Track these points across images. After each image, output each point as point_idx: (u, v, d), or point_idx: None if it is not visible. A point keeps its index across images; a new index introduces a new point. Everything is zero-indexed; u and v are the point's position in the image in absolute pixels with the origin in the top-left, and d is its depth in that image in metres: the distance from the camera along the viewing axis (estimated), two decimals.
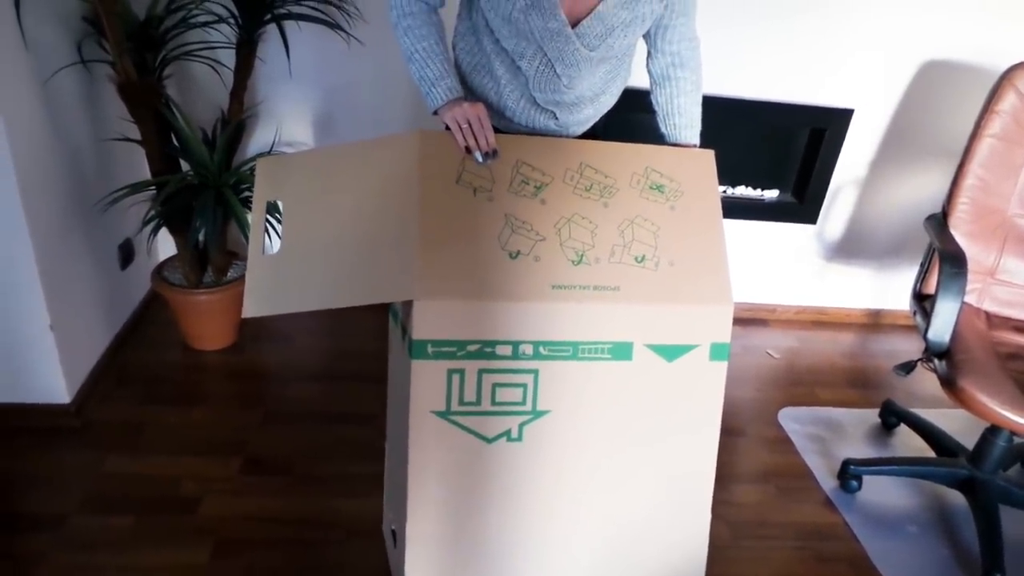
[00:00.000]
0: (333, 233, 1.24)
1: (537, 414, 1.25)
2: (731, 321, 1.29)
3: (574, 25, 1.28)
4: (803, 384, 2.38)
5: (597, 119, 1.52)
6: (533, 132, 1.46)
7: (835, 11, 2.21)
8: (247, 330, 2.27)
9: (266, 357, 2.20)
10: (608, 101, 1.49)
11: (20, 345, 1.74)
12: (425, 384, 1.19)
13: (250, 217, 1.95)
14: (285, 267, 1.25)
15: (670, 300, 1.25)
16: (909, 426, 2.14)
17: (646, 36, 1.43)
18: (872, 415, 2.24)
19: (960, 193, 1.86)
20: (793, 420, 2.19)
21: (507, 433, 1.24)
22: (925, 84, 2.36)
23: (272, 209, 1.73)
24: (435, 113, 1.30)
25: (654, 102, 1.47)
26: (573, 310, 1.21)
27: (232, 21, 1.91)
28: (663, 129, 1.47)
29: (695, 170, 1.34)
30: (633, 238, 1.26)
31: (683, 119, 1.45)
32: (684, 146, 1.44)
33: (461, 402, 1.21)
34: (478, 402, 1.22)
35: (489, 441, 1.24)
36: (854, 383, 2.42)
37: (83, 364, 1.92)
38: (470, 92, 1.46)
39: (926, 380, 2.35)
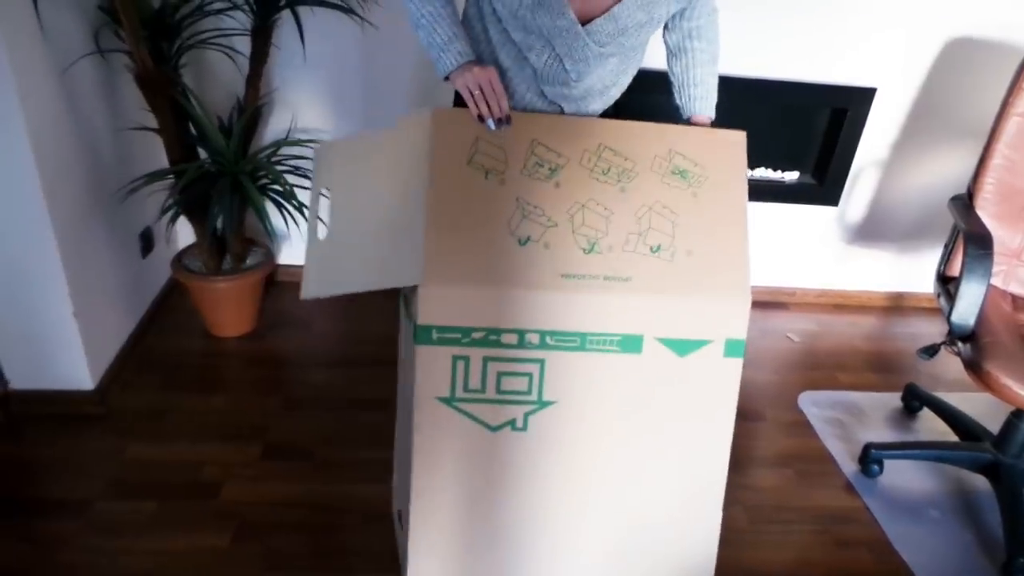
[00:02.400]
0: (361, 218, 1.25)
1: (543, 404, 1.23)
2: (747, 317, 1.24)
3: (585, 23, 1.24)
4: (823, 368, 2.36)
5: (605, 108, 1.49)
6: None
7: None
8: (266, 316, 2.29)
9: (285, 343, 2.22)
10: (616, 93, 1.45)
11: (44, 332, 1.76)
12: (430, 369, 1.18)
13: (276, 202, 1.96)
14: (328, 252, 1.28)
15: (684, 292, 1.21)
16: (932, 410, 2.11)
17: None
18: (894, 399, 2.21)
19: (986, 173, 1.82)
20: (813, 404, 2.17)
21: (512, 422, 1.23)
22: (949, 62, 2.30)
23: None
24: (446, 79, 1.26)
25: (670, 72, 1.44)
26: (582, 300, 1.18)
27: (247, 8, 1.91)
28: (678, 100, 1.43)
29: (723, 155, 1.26)
30: (650, 226, 1.22)
31: (698, 90, 1.40)
32: (699, 120, 1.41)
33: (466, 389, 1.20)
34: (483, 390, 1.20)
35: (493, 429, 1.23)
36: (875, 367, 2.39)
37: (106, 351, 1.95)
38: None
39: (949, 364, 2.32)
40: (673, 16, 1.36)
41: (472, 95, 1.21)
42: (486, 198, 1.18)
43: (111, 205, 1.95)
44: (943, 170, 2.48)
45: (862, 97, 2.33)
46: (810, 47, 2.24)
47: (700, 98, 1.41)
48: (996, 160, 1.81)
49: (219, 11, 1.93)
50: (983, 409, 2.03)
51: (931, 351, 1.78)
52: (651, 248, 1.21)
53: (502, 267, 1.16)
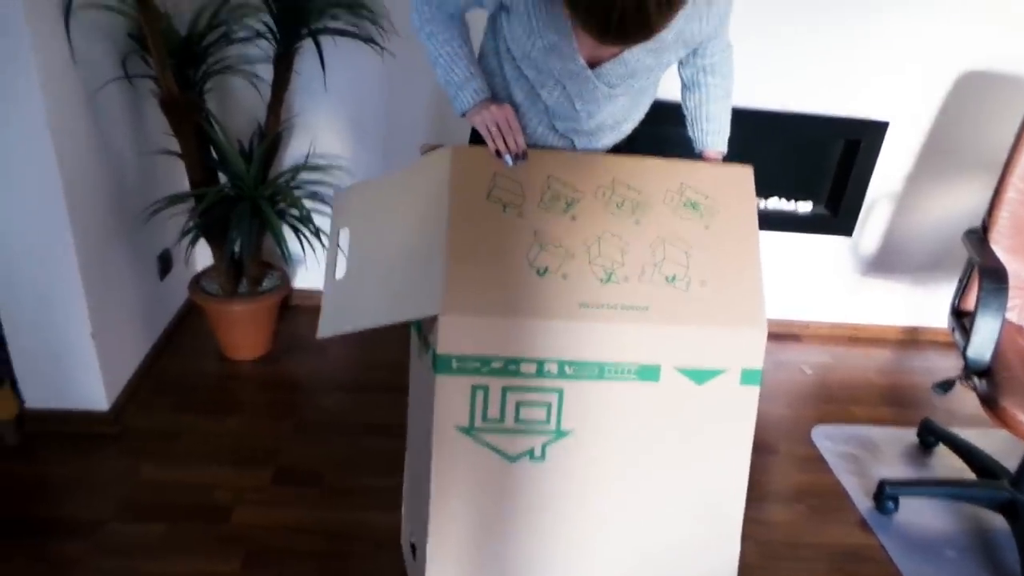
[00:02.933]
0: (380, 254, 1.27)
1: (561, 434, 1.23)
2: (763, 346, 1.25)
3: (594, 66, 1.25)
4: (837, 401, 2.34)
5: (617, 142, 1.50)
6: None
7: (869, 23, 2.18)
8: (280, 340, 2.31)
9: (299, 367, 2.23)
10: (628, 128, 1.47)
11: (62, 352, 1.78)
12: (449, 399, 1.19)
13: (291, 229, 1.99)
14: (347, 289, 1.31)
15: (700, 322, 1.22)
16: (948, 446, 2.09)
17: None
18: (909, 434, 2.19)
19: (1001, 207, 1.82)
20: (827, 438, 2.15)
21: (530, 452, 1.23)
22: (963, 95, 2.31)
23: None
24: (463, 115, 1.30)
25: (683, 106, 1.46)
26: (600, 329, 1.19)
27: (270, 36, 1.96)
28: (691, 134, 1.45)
29: (732, 188, 1.30)
30: (665, 257, 1.24)
31: (711, 125, 1.43)
32: (711, 155, 1.43)
33: (484, 419, 1.20)
34: (502, 419, 1.21)
35: (511, 460, 1.22)
36: (890, 401, 2.37)
37: (122, 372, 1.96)
38: None
39: (966, 399, 2.30)
40: (686, 55, 1.38)
41: (490, 132, 1.24)
42: (504, 231, 1.20)
43: (132, 227, 1.98)
44: (957, 203, 2.48)
45: (875, 130, 2.35)
46: (824, 80, 2.26)
47: (713, 133, 1.43)
48: (1010, 194, 1.81)
49: (243, 39, 1.97)
50: (1000, 446, 2.01)
51: (946, 386, 1.77)
52: (667, 278, 1.23)
53: (521, 297, 1.17)
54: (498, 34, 1.33)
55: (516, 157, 1.24)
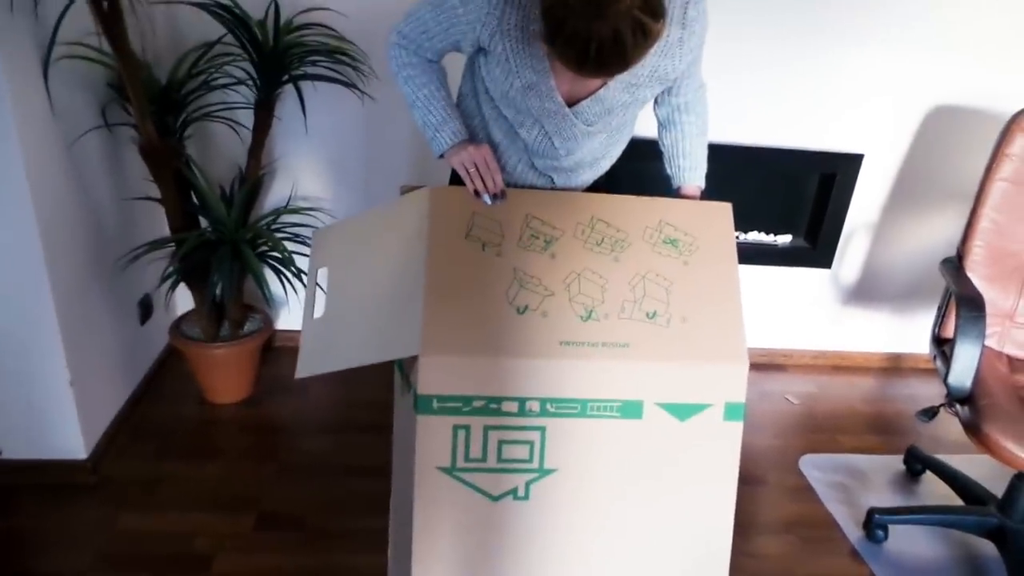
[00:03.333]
0: (358, 293, 1.27)
1: (544, 472, 1.22)
2: (746, 381, 1.25)
3: (572, 104, 1.27)
4: (824, 430, 2.34)
5: (596, 179, 1.52)
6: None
7: (839, 57, 2.24)
8: (262, 382, 2.28)
9: (281, 409, 2.21)
10: (607, 164, 1.49)
11: (39, 402, 1.76)
12: (431, 439, 1.18)
13: (275, 272, 1.99)
14: (326, 329, 1.30)
15: (682, 358, 1.22)
16: (935, 473, 2.09)
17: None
18: (896, 461, 2.19)
19: (974, 236, 1.85)
20: (815, 467, 2.15)
21: (513, 491, 1.22)
22: (934, 129, 2.37)
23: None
24: (441, 157, 1.31)
25: (660, 143, 1.48)
26: (581, 367, 1.19)
27: (251, 83, 1.98)
28: (669, 170, 1.47)
29: (711, 224, 1.31)
30: (645, 293, 1.24)
31: (688, 161, 1.45)
32: (689, 191, 1.44)
33: (467, 458, 1.19)
34: (484, 459, 1.20)
35: (495, 499, 1.21)
36: (876, 429, 2.37)
37: (101, 419, 1.93)
38: None
39: (950, 425, 2.30)
40: (661, 92, 1.40)
41: (468, 172, 1.25)
42: (484, 269, 1.20)
43: (112, 273, 1.97)
44: (933, 232, 2.52)
45: (850, 163, 2.39)
46: (797, 115, 2.31)
47: (690, 169, 1.45)
48: (983, 223, 1.84)
49: (224, 86, 1.99)
50: (987, 471, 2.01)
51: (930, 413, 1.78)
52: (647, 314, 1.23)
53: (501, 336, 1.17)
54: (476, 76, 1.35)
55: (495, 196, 1.25)
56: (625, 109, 1.31)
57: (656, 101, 1.45)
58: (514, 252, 1.23)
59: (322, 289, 1.36)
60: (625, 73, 1.15)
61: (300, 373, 1.31)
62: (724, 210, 1.34)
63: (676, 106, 1.42)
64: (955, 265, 1.87)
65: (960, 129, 2.36)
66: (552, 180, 1.43)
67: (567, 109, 1.27)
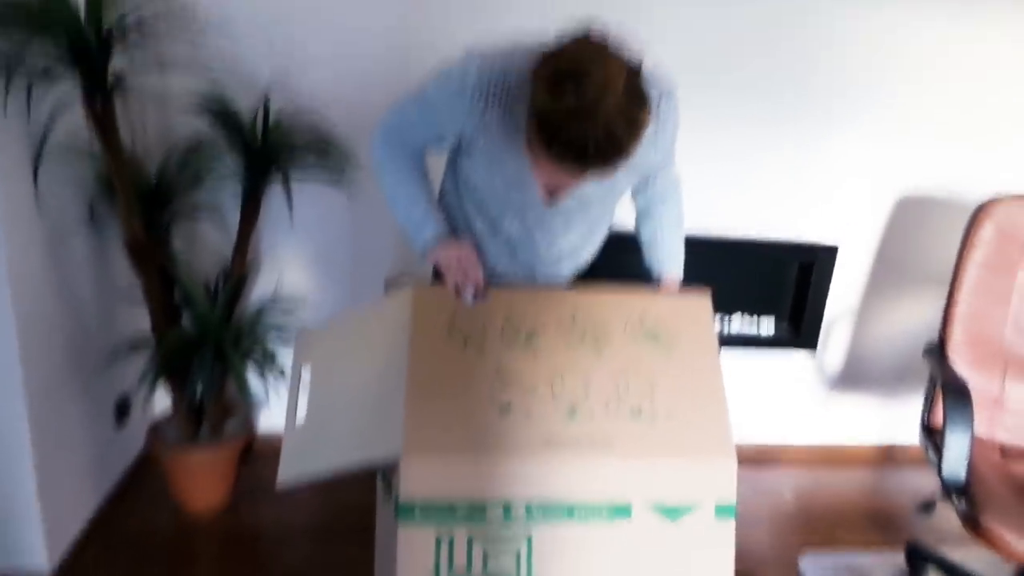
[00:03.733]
0: (340, 396, 1.24)
1: None
2: (735, 476, 1.22)
3: (551, 197, 1.31)
4: (822, 526, 2.27)
5: (577, 269, 1.54)
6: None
7: (809, 151, 2.33)
8: (242, 486, 2.20)
9: (261, 515, 2.11)
10: (587, 255, 1.51)
11: (2, 509, 1.67)
12: (413, 552, 1.12)
13: (254, 374, 1.95)
14: (307, 433, 1.28)
15: (668, 455, 1.20)
16: (938, 568, 2.02)
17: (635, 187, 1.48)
18: (898, 558, 2.11)
19: (953, 322, 1.87)
20: (816, 566, 2.07)
21: None
22: (905, 218, 2.44)
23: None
24: (422, 255, 1.32)
25: (638, 235, 1.52)
26: (567, 467, 1.16)
27: (238, 179, 2.01)
28: (648, 261, 1.51)
29: (691, 317, 1.32)
30: (629, 389, 1.23)
31: (666, 251, 1.49)
32: (668, 280, 1.48)
33: (451, 571, 1.14)
34: (468, 571, 1.14)
35: None
36: (875, 524, 2.31)
37: (68, 529, 1.84)
38: None
39: (949, 516, 2.25)
40: (637, 184, 1.45)
41: (449, 269, 1.26)
42: (465, 368, 1.19)
43: (90, 372, 1.93)
44: (913, 317, 2.55)
45: (826, 253, 2.44)
46: (772, 206, 2.38)
47: (668, 259, 1.49)
48: (961, 309, 1.87)
49: (211, 183, 2.02)
50: (991, 564, 1.94)
51: (928, 507, 1.74)
52: (631, 411, 1.22)
53: (484, 435, 1.15)
54: (458, 172, 1.38)
55: (476, 295, 1.25)
56: (602, 201, 1.35)
57: (633, 192, 1.49)
58: (496, 349, 1.22)
59: (304, 393, 1.34)
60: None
61: (282, 480, 1.27)
62: (703, 301, 1.35)
63: (653, 197, 1.47)
64: (937, 352, 1.89)
65: (930, 217, 2.43)
66: (533, 271, 1.44)
67: (544, 207, 1.31)
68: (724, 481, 1.22)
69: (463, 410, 1.16)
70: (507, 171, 1.26)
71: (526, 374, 1.21)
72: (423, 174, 1.36)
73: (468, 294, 1.25)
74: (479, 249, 1.41)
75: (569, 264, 1.47)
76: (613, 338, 1.27)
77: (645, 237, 1.50)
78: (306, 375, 1.35)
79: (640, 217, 1.51)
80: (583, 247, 1.46)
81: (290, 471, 1.27)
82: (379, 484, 1.30)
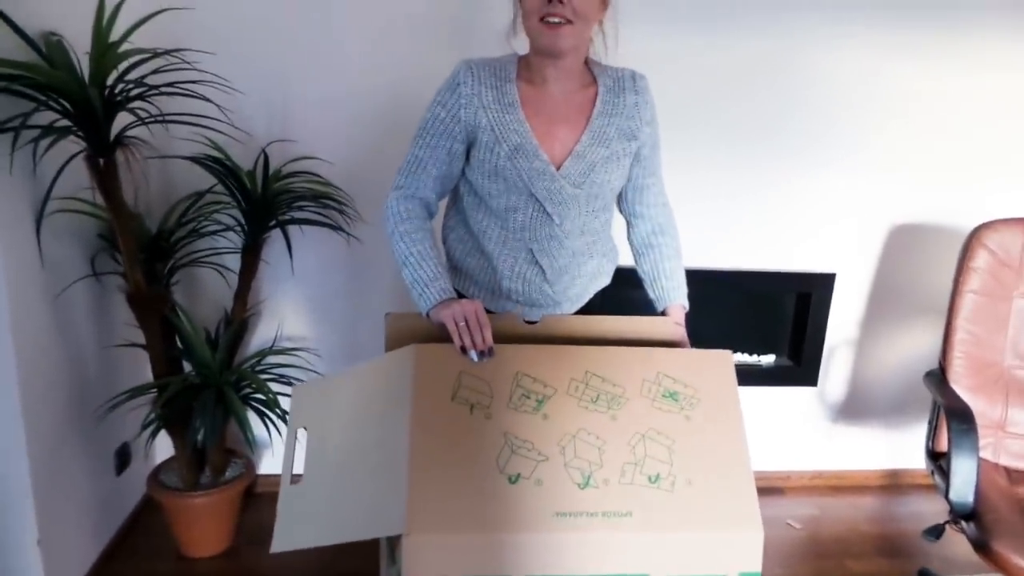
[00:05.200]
0: (341, 461, 1.19)
1: None
2: (761, 547, 1.14)
3: (557, 168, 1.38)
4: (831, 556, 2.25)
5: (591, 295, 1.57)
6: (529, 303, 1.49)
7: (802, 184, 2.36)
8: (244, 531, 2.18)
9: (263, 561, 2.09)
10: (595, 271, 1.53)
11: (3, 560, 1.65)
12: None
13: (258, 421, 1.95)
14: (304, 498, 1.21)
15: (690, 527, 1.11)
16: None
17: (623, 202, 1.53)
18: None
19: (953, 348, 1.88)
20: None
21: None
22: (899, 246, 2.46)
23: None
24: (427, 314, 1.29)
25: (640, 271, 1.55)
26: (581, 540, 1.08)
27: (239, 228, 2.03)
28: (652, 294, 1.52)
29: (711, 374, 1.23)
30: (646, 454, 1.14)
31: (670, 282, 1.50)
32: (675, 310, 1.48)
33: None
34: None
35: None
36: (884, 551, 2.28)
37: None
38: (464, 277, 1.52)
39: (958, 542, 2.23)
40: (631, 201, 1.52)
41: (457, 326, 1.21)
42: (472, 435, 1.12)
43: (91, 422, 1.93)
44: (913, 344, 2.55)
45: (824, 282, 2.46)
46: (768, 239, 2.40)
47: (673, 288, 1.51)
48: (960, 335, 1.88)
49: (212, 232, 2.05)
50: None
51: (936, 532, 1.72)
52: (649, 478, 1.13)
53: (492, 509, 1.08)
54: (459, 192, 1.45)
55: (482, 353, 1.20)
56: (605, 164, 1.40)
57: (630, 225, 1.55)
58: (504, 414, 1.14)
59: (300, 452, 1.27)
60: (596, 127, 1.37)
61: (276, 547, 1.21)
62: (724, 358, 1.26)
63: (650, 227, 1.53)
64: (939, 378, 1.89)
65: (924, 245, 2.46)
66: (546, 278, 1.46)
67: (554, 169, 1.37)
68: (749, 553, 1.14)
69: (469, 481, 1.09)
70: (511, 140, 1.35)
71: (536, 440, 1.12)
72: (431, 238, 1.37)
73: (474, 352, 1.19)
74: (493, 270, 1.46)
75: (578, 284, 1.50)
76: (629, 399, 1.18)
77: (647, 268, 1.53)
78: (303, 435, 1.27)
79: (639, 251, 1.54)
80: (590, 256, 1.49)
81: (285, 539, 1.21)
82: (382, 542, 1.27)
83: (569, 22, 1.27)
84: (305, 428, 1.27)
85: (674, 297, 1.50)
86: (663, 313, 1.50)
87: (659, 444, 1.15)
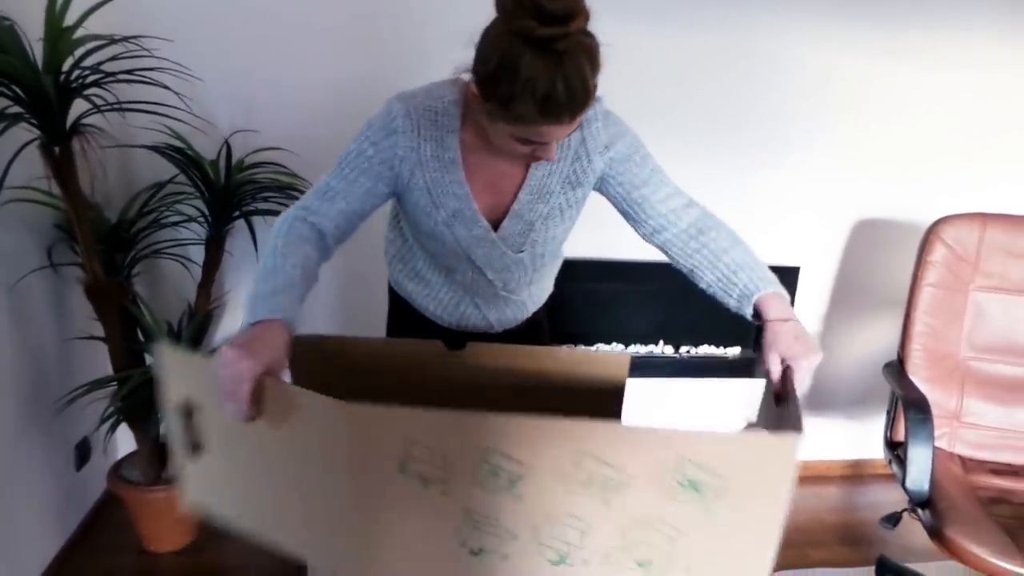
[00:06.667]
0: (262, 468, 1.00)
1: None
2: None
3: (495, 228, 1.28)
4: (793, 545, 2.29)
5: (533, 311, 1.49)
6: (463, 330, 1.41)
7: (760, 177, 2.39)
8: (207, 526, 2.15)
9: (225, 556, 2.07)
10: (538, 291, 1.48)
11: None
12: None
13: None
14: (217, 472, 1.03)
15: None
16: None
17: (640, 227, 1.29)
18: (868, 573, 2.14)
19: (911, 340, 1.92)
20: None
21: None
22: (861, 241, 2.51)
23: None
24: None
25: (706, 288, 1.24)
26: None
27: (202, 219, 2.00)
28: (732, 304, 1.20)
29: (759, 464, 0.88)
30: (640, 543, 0.93)
31: (747, 274, 1.17)
32: (770, 300, 1.13)
33: None
34: None
35: None
36: (845, 539, 2.33)
37: (28, 574, 1.79)
38: (404, 296, 1.46)
39: (916, 530, 2.28)
40: (638, 213, 1.28)
41: (225, 368, 0.89)
42: (426, 510, 0.92)
43: (48, 416, 1.89)
44: (874, 337, 2.60)
45: (788, 275, 2.49)
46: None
47: (759, 280, 1.16)
48: (917, 328, 1.92)
49: (175, 223, 2.01)
50: None
51: (894, 520, 1.76)
52: (638, 562, 0.93)
53: (451, 573, 0.95)
54: (403, 229, 1.38)
55: (238, 414, 0.91)
56: (545, 221, 1.28)
57: (665, 253, 1.30)
58: (465, 491, 0.92)
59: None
60: (535, 180, 1.23)
61: (189, 505, 1.06)
62: (784, 446, 0.88)
63: (686, 239, 1.26)
64: (897, 369, 1.93)
65: (885, 240, 2.50)
66: (489, 321, 1.43)
67: (493, 234, 1.27)
68: None
69: (425, 550, 0.94)
70: (449, 205, 1.24)
71: (505, 519, 0.93)
72: (304, 262, 1.08)
73: (227, 413, 0.90)
74: (433, 298, 1.40)
75: (526, 308, 1.46)
76: (632, 486, 0.90)
77: (711, 281, 1.22)
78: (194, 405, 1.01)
79: (691, 269, 1.26)
80: (542, 287, 1.46)
81: (198, 500, 1.06)
82: None
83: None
84: (192, 400, 1.00)
85: (764, 287, 1.13)
86: (756, 318, 1.14)
87: (659, 533, 0.92)
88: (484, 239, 1.28)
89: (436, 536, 0.93)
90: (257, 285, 1.03)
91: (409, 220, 1.31)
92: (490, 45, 1.02)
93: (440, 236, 1.27)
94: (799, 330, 1.07)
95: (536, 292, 1.47)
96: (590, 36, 1.03)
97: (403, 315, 1.49)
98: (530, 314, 1.48)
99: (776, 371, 1.07)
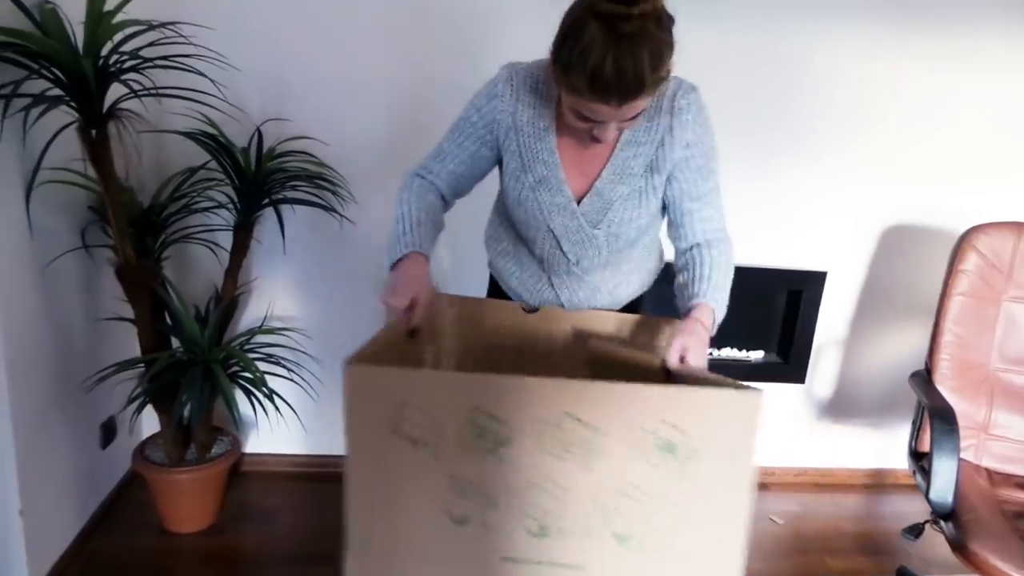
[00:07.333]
0: None
1: None
2: None
3: (578, 202, 1.32)
4: (811, 552, 2.26)
5: (609, 301, 1.48)
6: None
7: (792, 181, 2.36)
8: (228, 509, 2.18)
9: (245, 538, 2.10)
10: (613, 279, 1.45)
11: None
12: None
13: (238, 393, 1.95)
14: None
15: None
16: None
17: (668, 227, 1.37)
18: None
19: (940, 350, 1.89)
20: None
21: None
22: (891, 247, 2.47)
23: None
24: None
25: (678, 279, 1.34)
26: None
27: (232, 206, 2.03)
28: (680, 299, 1.31)
29: (727, 420, 0.95)
30: (619, 513, 0.98)
31: (702, 285, 1.27)
32: (700, 310, 1.23)
33: None
34: None
35: None
36: (864, 549, 2.30)
37: (51, 551, 1.82)
38: (496, 275, 1.54)
39: (937, 542, 2.24)
40: (674, 228, 1.34)
41: (387, 287, 1.18)
42: (415, 473, 0.98)
43: (76, 395, 1.92)
44: (901, 345, 2.56)
45: (815, 280, 2.47)
46: (760, 234, 2.41)
47: (705, 291, 1.26)
48: (946, 337, 1.89)
49: (205, 209, 2.04)
50: None
51: (916, 531, 1.74)
52: (615, 536, 0.98)
53: (435, 552, 1.00)
54: (501, 198, 1.44)
55: (407, 311, 1.15)
56: (624, 202, 1.30)
57: (670, 228, 1.37)
58: (452, 454, 0.97)
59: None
60: (619, 159, 1.27)
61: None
62: (750, 400, 0.95)
63: (698, 243, 1.33)
64: (924, 378, 1.90)
65: (915, 246, 2.47)
66: (562, 304, 1.45)
67: (575, 204, 1.32)
68: None
69: (411, 523, 0.99)
70: (538, 171, 1.30)
71: (487, 484, 0.98)
72: (428, 207, 1.30)
73: (392, 315, 1.13)
74: (520, 279, 1.46)
75: (605, 299, 1.46)
76: (611, 450, 0.96)
77: (686, 275, 1.31)
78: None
79: (682, 267, 1.34)
80: (620, 280, 1.45)
81: None
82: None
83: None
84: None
85: (702, 294, 1.25)
86: (687, 313, 1.25)
87: (636, 502, 0.97)
88: (565, 208, 1.32)
89: (422, 503, 0.98)
90: (394, 231, 1.24)
91: (504, 188, 1.37)
92: (569, 12, 1.09)
93: (525, 201, 1.33)
94: (704, 337, 1.20)
95: (611, 279, 1.44)
96: (664, 33, 1.07)
97: (496, 296, 1.56)
98: (604, 304, 1.47)
99: (675, 359, 1.17)
